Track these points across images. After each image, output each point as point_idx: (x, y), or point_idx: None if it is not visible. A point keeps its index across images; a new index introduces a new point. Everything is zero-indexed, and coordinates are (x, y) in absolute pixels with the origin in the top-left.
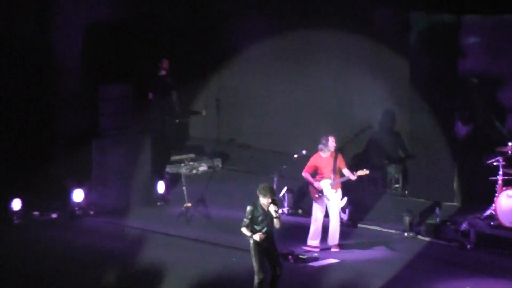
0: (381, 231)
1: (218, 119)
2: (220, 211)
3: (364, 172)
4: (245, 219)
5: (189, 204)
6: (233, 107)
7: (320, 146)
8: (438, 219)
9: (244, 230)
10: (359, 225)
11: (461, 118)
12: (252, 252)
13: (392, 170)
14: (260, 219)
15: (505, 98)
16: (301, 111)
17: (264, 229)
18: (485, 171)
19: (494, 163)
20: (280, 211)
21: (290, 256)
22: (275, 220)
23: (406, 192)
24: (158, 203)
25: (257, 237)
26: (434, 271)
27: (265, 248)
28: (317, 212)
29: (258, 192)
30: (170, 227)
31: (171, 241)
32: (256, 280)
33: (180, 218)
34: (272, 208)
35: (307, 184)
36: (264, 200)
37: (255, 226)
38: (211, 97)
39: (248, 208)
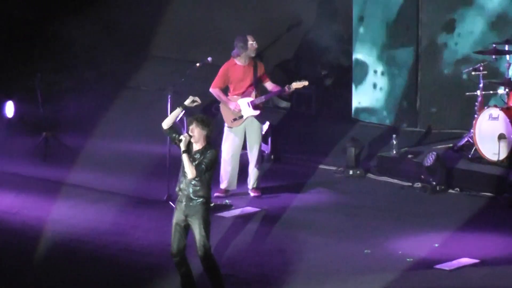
0: (316, 167)
1: None
2: (95, 142)
3: (301, 83)
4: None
5: (49, 133)
6: None
7: (235, 51)
8: (394, 151)
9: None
10: (286, 160)
11: None
12: None
13: (332, 82)
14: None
15: None
16: (206, 5)
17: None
18: (459, 83)
19: (472, 73)
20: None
21: None
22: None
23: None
24: (5, 131)
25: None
26: (387, 222)
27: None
28: (231, 143)
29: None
30: (23, 164)
31: (25, 183)
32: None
33: (37, 151)
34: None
35: (216, 104)
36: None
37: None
38: None
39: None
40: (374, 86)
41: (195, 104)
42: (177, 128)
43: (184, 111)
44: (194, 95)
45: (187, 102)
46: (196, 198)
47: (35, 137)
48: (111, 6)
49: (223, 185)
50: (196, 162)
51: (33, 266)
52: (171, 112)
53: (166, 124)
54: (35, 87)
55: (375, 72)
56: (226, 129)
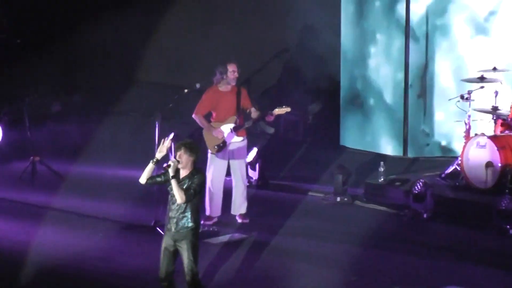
0: (304, 194)
1: None
2: (82, 167)
3: (284, 109)
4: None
5: (37, 157)
6: None
7: (216, 77)
8: (382, 178)
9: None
10: (274, 186)
11: None
12: None
13: (317, 108)
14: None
15: None
16: (194, 31)
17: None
18: (447, 110)
19: (460, 100)
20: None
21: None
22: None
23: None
24: None
25: None
26: (375, 249)
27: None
28: (215, 170)
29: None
30: (10, 189)
31: (14, 208)
32: None
33: (24, 176)
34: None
35: (199, 130)
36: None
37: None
38: None
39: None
40: (362, 112)
41: (171, 163)
42: (153, 175)
43: (156, 165)
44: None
45: (158, 156)
46: (185, 223)
47: (22, 161)
48: (99, 32)
49: (208, 212)
50: (185, 187)
51: None
52: (159, 137)
53: (143, 179)
54: (22, 111)
55: (362, 98)
56: (209, 155)
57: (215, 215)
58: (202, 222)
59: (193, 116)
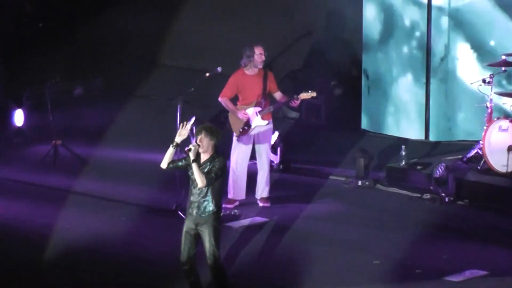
0: (325, 177)
1: None
2: (104, 150)
3: (309, 94)
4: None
5: (59, 141)
6: None
7: (243, 60)
8: (403, 162)
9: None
10: (295, 170)
11: None
12: None
13: (339, 92)
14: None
15: None
16: (216, 14)
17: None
18: (468, 94)
19: (481, 84)
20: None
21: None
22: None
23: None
24: (15, 140)
25: None
26: (397, 232)
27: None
28: (240, 152)
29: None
30: (32, 173)
31: (36, 192)
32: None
33: (46, 159)
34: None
35: (224, 113)
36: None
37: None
38: None
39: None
40: (383, 96)
41: (191, 147)
42: (174, 158)
43: (176, 149)
44: (182, 129)
45: (178, 140)
46: (206, 207)
47: (44, 145)
48: (121, 15)
49: (231, 195)
50: (206, 171)
51: (41, 273)
52: (180, 121)
53: (164, 163)
54: (45, 95)
55: (384, 82)
56: (234, 138)
57: (239, 199)
58: (224, 205)
59: (219, 99)
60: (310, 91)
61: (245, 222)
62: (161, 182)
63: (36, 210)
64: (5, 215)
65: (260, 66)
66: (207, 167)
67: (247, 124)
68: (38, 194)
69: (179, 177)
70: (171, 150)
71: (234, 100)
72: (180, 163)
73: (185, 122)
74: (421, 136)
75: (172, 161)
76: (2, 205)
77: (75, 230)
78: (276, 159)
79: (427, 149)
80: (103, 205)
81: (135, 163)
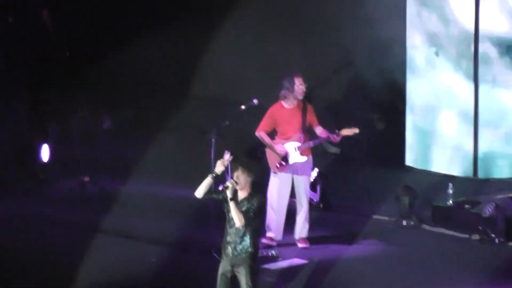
0: (367, 217)
1: None
2: (134, 185)
3: (352, 130)
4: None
5: (87, 178)
6: None
7: (283, 92)
8: (451, 200)
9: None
10: (336, 208)
11: None
12: None
13: (382, 126)
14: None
15: None
16: (253, 46)
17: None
18: None
19: None
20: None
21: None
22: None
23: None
24: (41, 176)
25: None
26: (443, 276)
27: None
28: (278, 190)
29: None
30: (59, 208)
31: (63, 229)
32: None
33: (74, 196)
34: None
35: (261, 148)
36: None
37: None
38: None
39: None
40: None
41: (228, 184)
42: (211, 189)
43: (214, 180)
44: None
45: (218, 170)
46: (244, 247)
47: (72, 180)
48: (152, 44)
49: (269, 234)
50: (244, 210)
51: None
52: (214, 158)
53: (200, 193)
54: (71, 128)
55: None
56: (272, 175)
57: (277, 239)
58: (263, 241)
59: (256, 133)
60: (352, 127)
61: (283, 264)
62: (193, 220)
63: (62, 247)
64: (33, 250)
65: (301, 97)
66: (245, 206)
67: (285, 159)
68: (64, 231)
69: (213, 214)
70: (209, 180)
71: (272, 134)
72: (215, 195)
73: (224, 157)
74: (469, 174)
75: (208, 192)
76: (30, 240)
77: (103, 271)
78: (315, 197)
79: (475, 187)
80: (133, 244)
81: (167, 198)
